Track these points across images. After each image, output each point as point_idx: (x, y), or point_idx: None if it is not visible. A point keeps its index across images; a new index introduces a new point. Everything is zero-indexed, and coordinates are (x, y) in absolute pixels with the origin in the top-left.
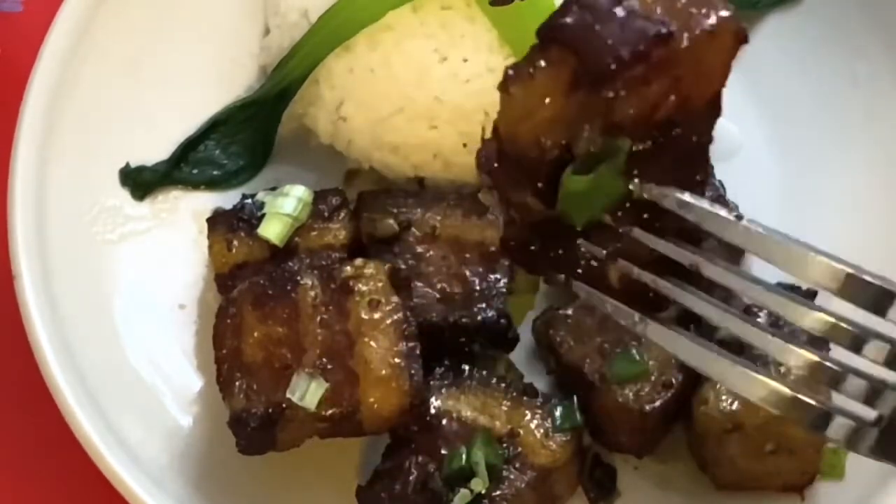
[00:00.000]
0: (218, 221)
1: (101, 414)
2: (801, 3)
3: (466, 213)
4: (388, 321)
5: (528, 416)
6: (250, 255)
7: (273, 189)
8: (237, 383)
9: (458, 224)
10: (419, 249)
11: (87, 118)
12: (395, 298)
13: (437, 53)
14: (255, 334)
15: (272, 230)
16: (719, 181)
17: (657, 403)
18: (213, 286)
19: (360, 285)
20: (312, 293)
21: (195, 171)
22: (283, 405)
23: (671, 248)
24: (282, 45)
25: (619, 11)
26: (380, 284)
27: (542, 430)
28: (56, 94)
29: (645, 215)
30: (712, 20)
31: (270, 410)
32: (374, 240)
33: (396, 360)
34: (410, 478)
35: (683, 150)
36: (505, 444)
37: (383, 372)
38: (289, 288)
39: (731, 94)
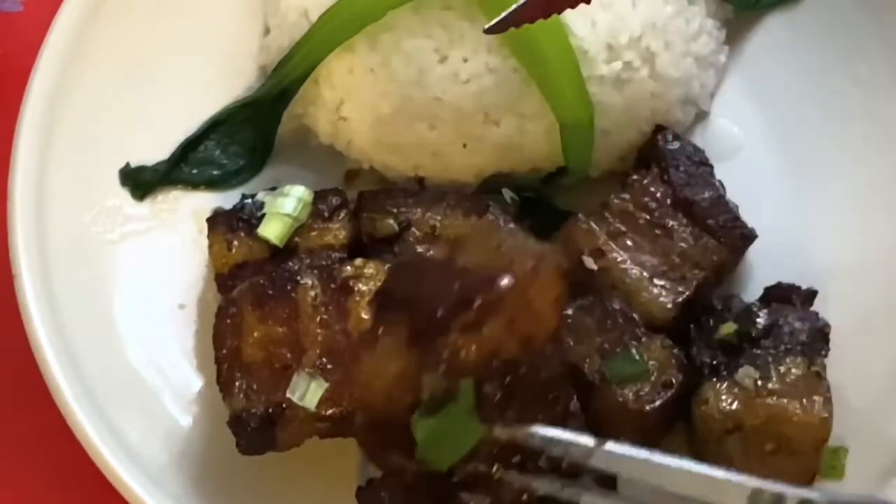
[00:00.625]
0: (218, 221)
1: (100, 414)
2: (801, 3)
3: (466, 213)
4: None
5: None
6: (250, 255)
7: (273, 189)
8: (237, 383)
9: (458, 224)
10: (419, 249)
11: (87, 118)
12: None
13: (438, 53)
14: (255, 334)
15: (272, 230)
16: (719, 181)
17: (657, 403)
18: (213, 286)
19: (360, 285)
20: (312, 293)
21: (195, 171)
22: (283, 405)
23: (547, 485)
24: (282, 44)
25: (442, 269)
26: (380, 284)
27: None
28: (56, 94)
29: (518, 456)
30: (531, 262)
31: (270, 410)
32: (374, 240)
33: None
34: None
35: (536, 385)
36: None
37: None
38: (289, 288)
39: (731, 94)
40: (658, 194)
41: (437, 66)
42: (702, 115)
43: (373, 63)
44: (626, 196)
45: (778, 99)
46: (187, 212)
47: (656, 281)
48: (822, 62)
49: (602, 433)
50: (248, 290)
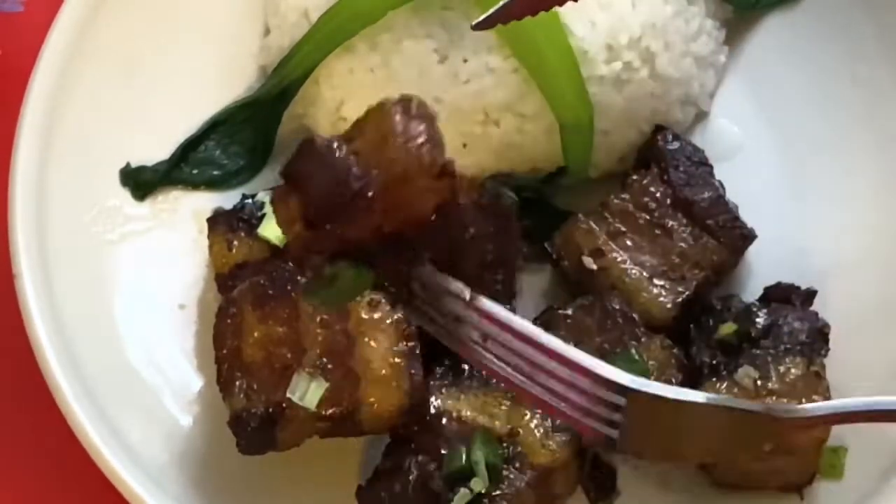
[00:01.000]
0: (218, 221)
1: (101, 413)
2: (801, 3)
3: None
4: (388, 321)
5: (528, 416)
6: (250, 255)
7: (273, 189)
8: (237, 383)
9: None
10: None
11: (88, 118)
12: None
13: (437, 53)
14: (255, 334)
15: (272, 230)
16: (719, 181)
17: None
18: (213, 286)
19: None
20: None
21: (195, 171)
22: (284, 405)
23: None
24: (282, 45)
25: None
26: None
27: (541, 430)
28: (56, 94)
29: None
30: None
31: (270, 410)
32: None
33: (396, 360)
34: (410, 477)
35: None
36: (505, 444)
37: (383, 372)
38: (289, 288)
39: (731, 95)
40: (658, 194)
41: (437, 66)
42: (701, 116)
43: (373, 63)
44: (626, 196)
45: (778, 99)
46: (187, 212)
47: (656, 281)
48: (822, 62)
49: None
50: (248, 290)
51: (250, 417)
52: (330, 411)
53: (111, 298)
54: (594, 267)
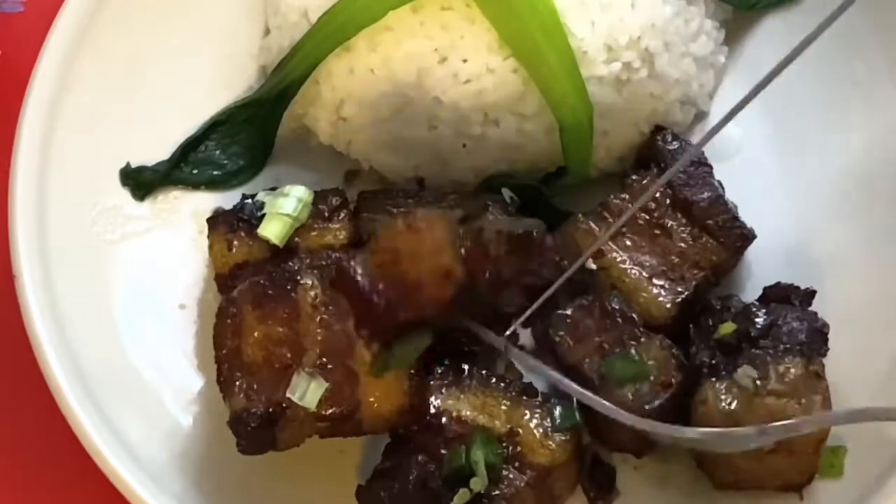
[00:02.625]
0: (218, 221)
1: (101, 413)
2: (800, 4)
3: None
4: None
5: (528, 416)
6: (250, 255)
7: (273, 189)
8: (237, 383)
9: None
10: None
11: (88, 118)
12: None
13: (437, 54)
14: (256, 334)
15: (272, 230)
16: (719, 181)
17: (657, 403)
18: (213, 286)
19: None
20: (312, 293)
21: (195, 172)
22: (284, 405)
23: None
24: (282, 45)
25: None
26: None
27: (541, 430)
28: (57, 94)
29: None
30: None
31: (271, 410)
32: None
33: None
34: (410, 477)
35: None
36: (504, 444)
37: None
38: (289, 288)
39: (731, 95)
40: (657, 194)
41: (437, 66)
42: (701, 116)
43: (373, 63)
44: (625, 196)
45: (778, 99)
46: (188, 212)
47: (655, 281)
48: (822, 62)
49: (601, 433)
50: (248, 290)
51: (250, 417)
52: (330, 411)
53: (111, 298)
54: (594, 267)
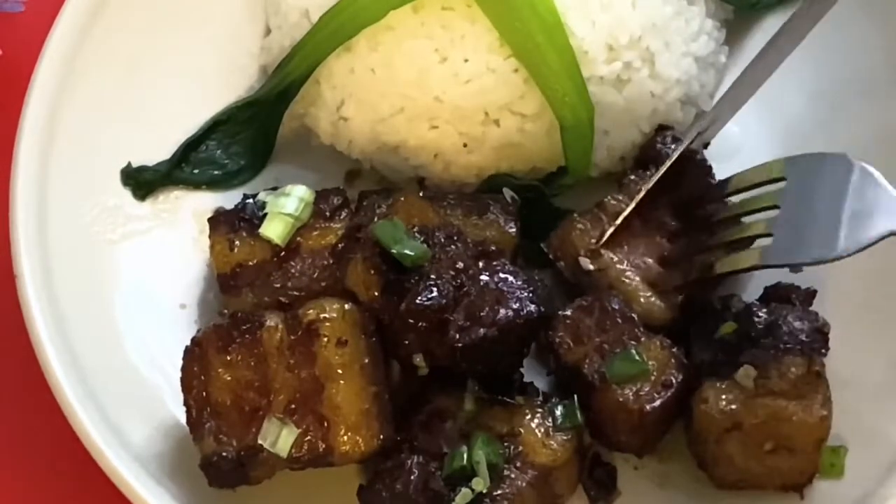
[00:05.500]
0: (220, 221)
1: (101, 413)
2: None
3: (466, 213)
4: (357, 365)
5: (529, 416)
6: (252, 255)
7: (274, 189)
8: (207, 426)
9: (458, 224)
10: None
11: (89, 118)
12: (362, 340)
13: (438, 54)
14: (222, 378)
15: (274, 230)
16: (719, 181)
17: (657, 403)
18: (213, 286)
19: (325, 328)
20: (278, 336)
21: (196, 171)
22: (255, 448)
23: None
24: (283, 45)
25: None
26: (346, 326)
27: (542, 430)
28: (57, 94)
29: None
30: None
31: (242, 454)
32: None
33: (366, 406)
34: (412, 477)
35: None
36: (506, 444)
37: (353, 419)
38: (253, 330)
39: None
40: (655, 195)
41: (438, 66)
42: (702, 116)
43: (373, 63)
44: (621, 196)
45: (778, 99)
46: (188, 212)
47: (654, 282)
48: (823, 62)
49: (602, 433)
50: (212, 332)
51: (221, 461)
52: (301, 454)
53: (112, 298)
54: (591, 267)
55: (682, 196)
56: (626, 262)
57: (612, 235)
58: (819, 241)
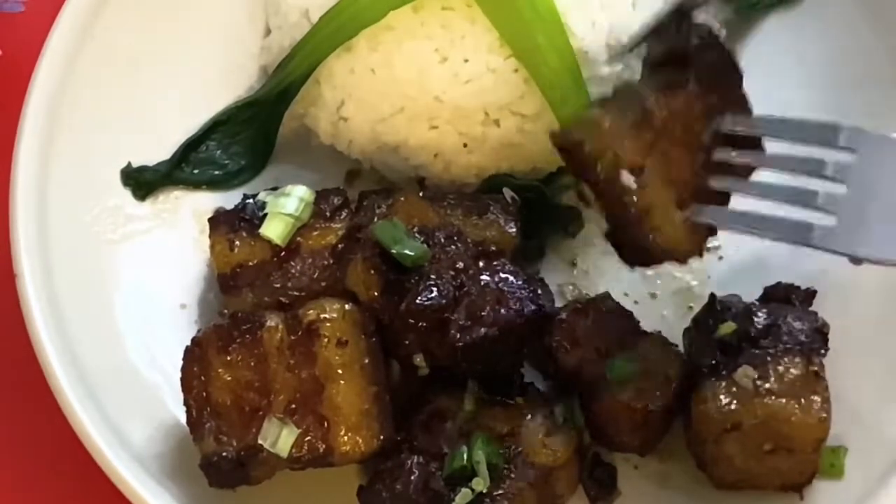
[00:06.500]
0: (220, 221)
1: (102, 413)
2: (801, 3)
3: (466, 213)
4: (357, 365)
5: (529, 416)
6: (252, 255)
7: (274, 189)
8: (207, 426)
9: (458, 224)
10: None
11: (89, 118)
12: (362, 340)
13: (438, 54)
14: (222, 378)
15: (274, 230)
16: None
17: (658, 403)
18: (214, 286)
19: (325, 328)
20: (278, 336)
21: (196, 172)
22: (255, 448)
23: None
24: (283, 45)
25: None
26: (346, 326)
27: (542, 430)
28: (57, 94)
29: None
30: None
31: (242, 454)
32: None
33: (366, 406)
34: (412, 477)
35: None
36: (506, 444)
37: (353, 419)
38: (254, 331)
39: None
40: (688, 107)
41: (438, 66)
42: None
43: (373, 63)
44: (661, 105)
45: (778, 99)
46: (188, 212)
47: (683, 203)
48: (822, 62)
49: (602, 433)
50: (212, 332)
51: (221, 461)
52: (302, 455)
53: (112, 298)
54: (633, 186)
55: (718, 108)
56: (660, 184)
57: (653, 147)
58: (890, 237)
